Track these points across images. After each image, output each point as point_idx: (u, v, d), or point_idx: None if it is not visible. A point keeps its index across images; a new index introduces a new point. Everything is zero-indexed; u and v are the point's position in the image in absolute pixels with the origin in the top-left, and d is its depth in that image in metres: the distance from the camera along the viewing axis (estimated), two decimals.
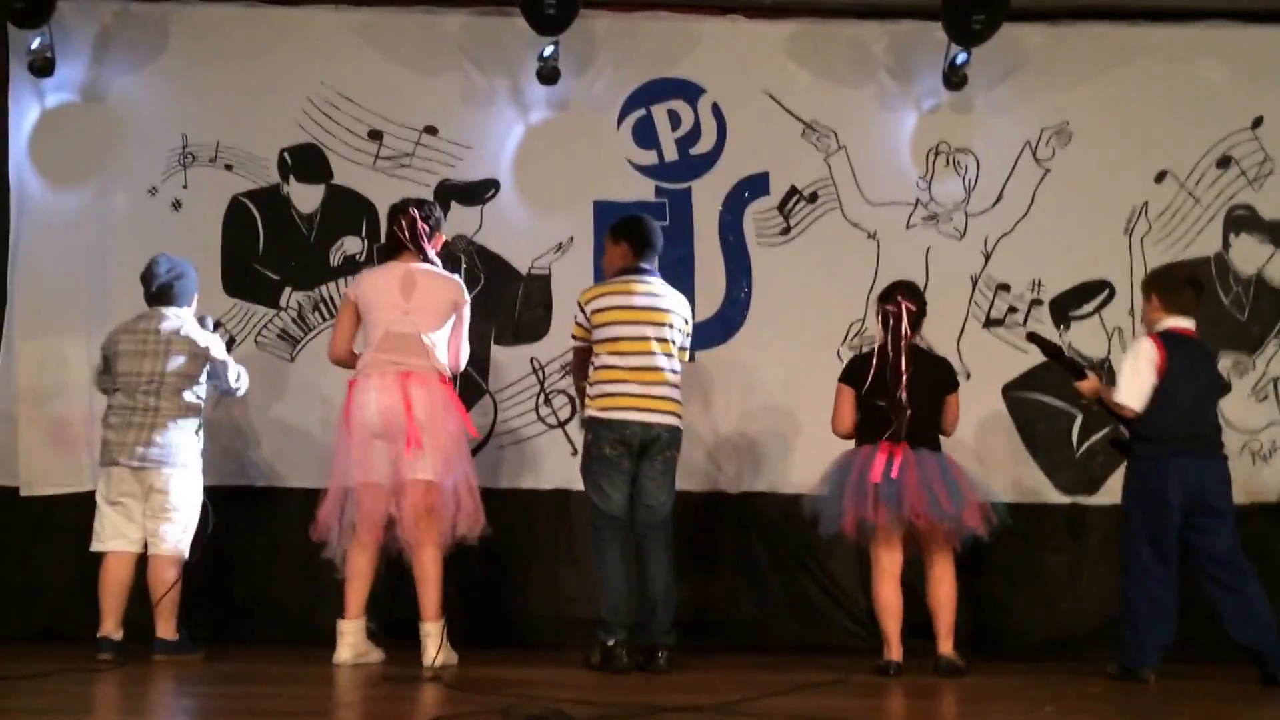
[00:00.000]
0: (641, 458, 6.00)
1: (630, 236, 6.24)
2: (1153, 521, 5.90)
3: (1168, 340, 6.00)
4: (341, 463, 5.91)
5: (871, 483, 5.87)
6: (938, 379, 6.16)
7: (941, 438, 6.18)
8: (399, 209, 6.16)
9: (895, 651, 5.97)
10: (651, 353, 5.99)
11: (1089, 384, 6.22)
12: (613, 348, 6.02)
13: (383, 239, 6.27)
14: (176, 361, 6.19)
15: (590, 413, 6.07)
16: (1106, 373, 7.18)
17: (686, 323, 6.16)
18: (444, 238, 6.28)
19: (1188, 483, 5.87)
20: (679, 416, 6.09)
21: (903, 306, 6.11)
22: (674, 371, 6.07)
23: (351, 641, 5.90)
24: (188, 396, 6.24)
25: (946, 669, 5.89)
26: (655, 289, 6.12)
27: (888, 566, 6.04)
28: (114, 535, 6.17)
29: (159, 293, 6.33)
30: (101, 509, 6.21)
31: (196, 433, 6.30)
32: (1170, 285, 6.18)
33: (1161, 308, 6.13)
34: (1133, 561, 5.94)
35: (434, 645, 5.82)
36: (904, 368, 6.00)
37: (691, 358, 6.60)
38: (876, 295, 6.36)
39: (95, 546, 6.19)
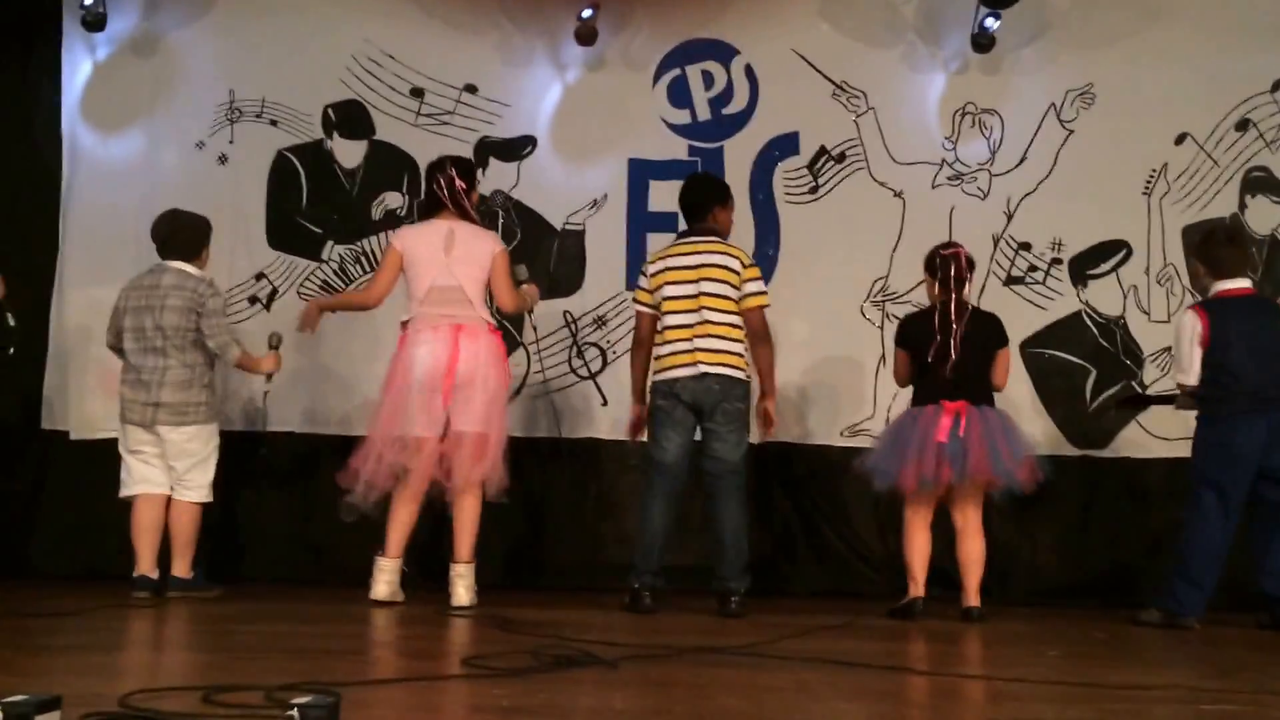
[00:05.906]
0: (701, 413, 6.15)
1: (681, 203, 6.48)
2: (1220, 476, 5.95)
3: (1213, 306, 6.05)
4: (389, 414, 6.02)
5: (936, 442, 5.97)
6: (989, 333, 6.23)
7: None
8: (437, 167, 6.29)
9: (922, 589, 6.14)
10: (700, 309, 6.14)
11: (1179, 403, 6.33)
12: (668, 307, 6.20)
13: (422, 196, 6.44)
14: (175, 314, 6.24)
15: (651, 376, 6.28)
16: (1120, 329, 7.37)
17: (737, 274, 6.18)
18: (478, 194, 6.44)
19: (1257, 440, 5.91)
20: (736, 367, 6.15)
21: (961, 256, 6.20)
22: (727, 324, 6.16)
23: (389, 579, 6.05)
24: (194, 348, 6.29)
25: (978, 618, 6.01)
26: (701, 247, 6.24)
27: (925, 516, 6.18)
28: (139, 480, 6.34)
29: (162, 246, 6.44)
30: (124, 458, 6.38)
31: (207, 384, 6.36)
32: (1211, 250, 6.22)
33: (1208, 273, 6.20)
34: (1198, 513, 6.00)
35: (464, 586, 6.02)
36: (956, 322, 6.09)
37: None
38: (926, 255, 6.41)
39: (123, 493, 6.37)
